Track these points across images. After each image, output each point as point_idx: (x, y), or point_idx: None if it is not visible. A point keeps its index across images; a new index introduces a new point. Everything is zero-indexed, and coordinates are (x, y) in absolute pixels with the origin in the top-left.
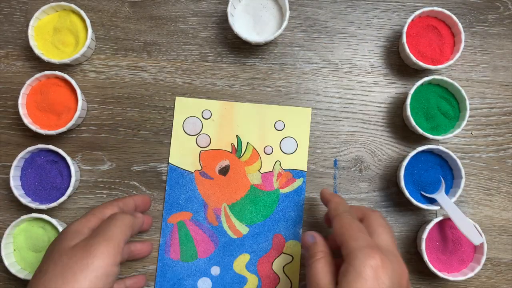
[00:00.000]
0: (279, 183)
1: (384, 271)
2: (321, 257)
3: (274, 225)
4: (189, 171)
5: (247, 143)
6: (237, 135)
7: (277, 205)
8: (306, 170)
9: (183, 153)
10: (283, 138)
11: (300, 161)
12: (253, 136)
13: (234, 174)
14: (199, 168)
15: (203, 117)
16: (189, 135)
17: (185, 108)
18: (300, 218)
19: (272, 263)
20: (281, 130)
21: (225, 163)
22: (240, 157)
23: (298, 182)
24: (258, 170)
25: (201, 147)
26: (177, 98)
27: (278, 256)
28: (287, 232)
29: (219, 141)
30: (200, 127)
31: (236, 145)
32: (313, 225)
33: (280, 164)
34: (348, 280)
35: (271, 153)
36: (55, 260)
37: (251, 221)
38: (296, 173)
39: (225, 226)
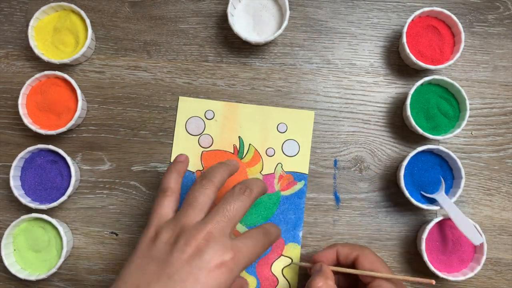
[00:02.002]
0: (280, 185)
1: None
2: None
3: None
4: (190, 171)
5: (249, 144)
6: (239, 136)
7: (277, 207)
8: (307, 173)
9: (185, 153)
10: (285, 141)
11: (301, 164)
12: (255, 138)
13: (235, 176)
14: (201, 168)
15: (206, 118)
16: (191, 135)
17: (188, 108)
18: (300, 221)
19: (271, 265)
20: (283, 132)
21: None
22: (242, 158)
23: (299, 185)
24: (260, 172)
25: (203, 147)
26: (181, 98)
27: (277, 259)
28: (287, 234)
29: (221, 142)
30: (203, 128)
31: (238, 146)
32: (313, 225)
33: (281, 167)
34: None
35: (273, 155)
36: None
37: (251, 223)
38: (297, 176)
39: None
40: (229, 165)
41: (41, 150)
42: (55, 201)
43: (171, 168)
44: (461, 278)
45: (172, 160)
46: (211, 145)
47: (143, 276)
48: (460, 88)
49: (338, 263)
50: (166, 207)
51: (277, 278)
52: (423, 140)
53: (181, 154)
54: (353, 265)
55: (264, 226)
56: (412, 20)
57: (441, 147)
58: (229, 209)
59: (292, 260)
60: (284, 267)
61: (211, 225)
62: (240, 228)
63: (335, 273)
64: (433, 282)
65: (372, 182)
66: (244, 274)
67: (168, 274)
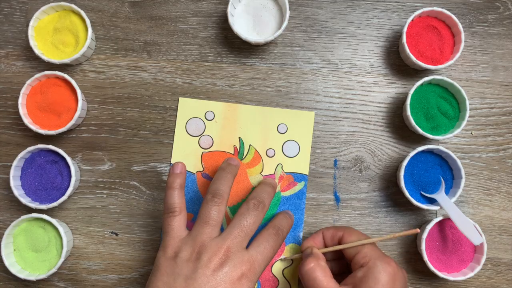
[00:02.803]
0: (281, 186)
1: (398, 277)
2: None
3: None
4: (190, 172)
5: (250, 145)
6: (239, 137)
7: (278, 208)
8: (307, 174)
9: (185, 154)
10: (286, 141)
11: (302, 165)
12: (255, 139)
13: (236, 177)
14: (201, 169)
15: (206, 118)
16: (191, 136)
17: (188, 109)
18: (300, 222)
19: (272, 266)
20: (283, 133)
21: None
22: (242, 159)
23: (299, 186)
24: (260, 173)
25: (203, 148)
26: (181, 99)
27: (277, 260)
28: (288, 235)
29: (222, 143)
30: (203, 128)
31: (238, 147)
32: (313, 225)
33: (282, 167)
34: (369, 285)
35: (273, 156)
36: None
37: None
38: (297, 177)
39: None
40: (231, 171)
41: (41, 150)
42: (55, 201)
43: (171, 185)
44: (461, 278)
45: (172, 161)
46: (211, 146)
47: None
48: (460, 88)
49: (325, 247)
50: (178, 227)
51: (277, 279)
52: (423, 140)
53: (176, 164)
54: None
55: (275, 224)
56: (412, 20)
57: (441, 147)
58: (245, 225)
59: (292, 261)
60: (285, 268)
61: (230, 241)
62: None
63: (325, 257)
64: (418, 230)
65: (372, 182)
66: None
67: None
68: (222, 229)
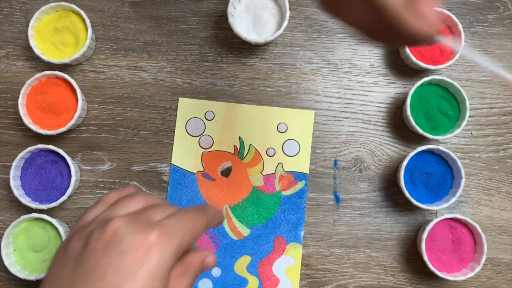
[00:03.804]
0: (281, 185)
1: None
2: None
3: (275, 227)
4: (191, 172)
5: (250, 144)
6: (239, 137)
7: (278, 207)
8: (308, 172)
9: (185, 154)
10: (286, 141)
11: (302, 164)
12: (255, 138)
13: (236, 176)
14: (201, 169)
15: (206, 118)
16: (191, 136)
17: (188, 109)
18: (301, 221)
19: (273, 265)
20: (283, 132)
21: (227, 164)
22: (242, 158)
23: (300, 185)
24: (260, 172)
25: (203, 148)
26: (180, 99)
27: (279, 258)
28: (289, 234)
29: (222, 143)
30: (203, 128)
31: (238, 147)
32: (313, 225)
33: (282, 167)
34: None
35: (274, 155)
36: None
37: (252, 223)
38: (298, 176)
39: (227, 227)
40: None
41: (41, 150)
42: (55, 201)
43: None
44: (461, 278)
45: (172, 161)
46: (211, 146)
47: (57, 284)
48: (460, 88)
49: None
50: None
51: (278, 278)
52: (423, 140)
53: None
54: None
55: (199, 205)
56: None
57: (441, 147)
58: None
59: (294, 260)
60: (286, 267)
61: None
62: (243, 229)
63: None
64: None
65: (372, 182)
66: (246, 274)
67: (84, 272)
68: (223, 229)
